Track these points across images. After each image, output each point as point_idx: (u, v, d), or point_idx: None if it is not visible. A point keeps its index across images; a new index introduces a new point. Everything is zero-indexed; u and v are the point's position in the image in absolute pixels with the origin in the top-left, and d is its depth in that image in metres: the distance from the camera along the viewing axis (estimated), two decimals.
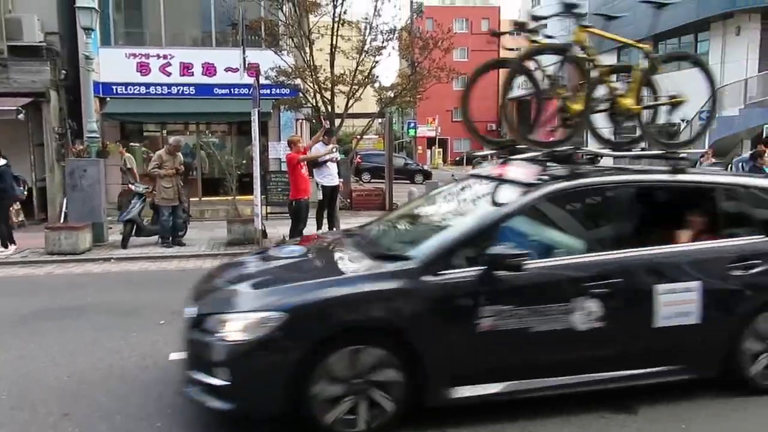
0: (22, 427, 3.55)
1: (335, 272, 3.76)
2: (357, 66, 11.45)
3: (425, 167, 33.96)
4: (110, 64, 14.58)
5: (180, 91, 15.28)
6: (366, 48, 11.51)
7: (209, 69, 15.39)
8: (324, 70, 11.35)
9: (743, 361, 3.84)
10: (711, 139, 18.12)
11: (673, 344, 3.68)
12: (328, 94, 11.26)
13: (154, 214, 10.49)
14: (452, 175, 17.06)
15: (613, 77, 4.51)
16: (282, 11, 11.46)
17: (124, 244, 10.08)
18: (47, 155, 13.95)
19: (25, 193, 11.35)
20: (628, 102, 4.33)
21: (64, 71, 14.25)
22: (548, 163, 3.97)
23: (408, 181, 27.69)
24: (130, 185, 11.15)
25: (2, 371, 4.48)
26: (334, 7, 11.20)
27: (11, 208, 12.22)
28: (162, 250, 9.93)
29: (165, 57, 15.19)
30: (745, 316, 3.83)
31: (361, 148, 25.96)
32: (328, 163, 10.01)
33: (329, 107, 11.33)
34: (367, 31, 11.45)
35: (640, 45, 4.58)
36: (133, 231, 10.24)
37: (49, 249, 9.48)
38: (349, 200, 15.68)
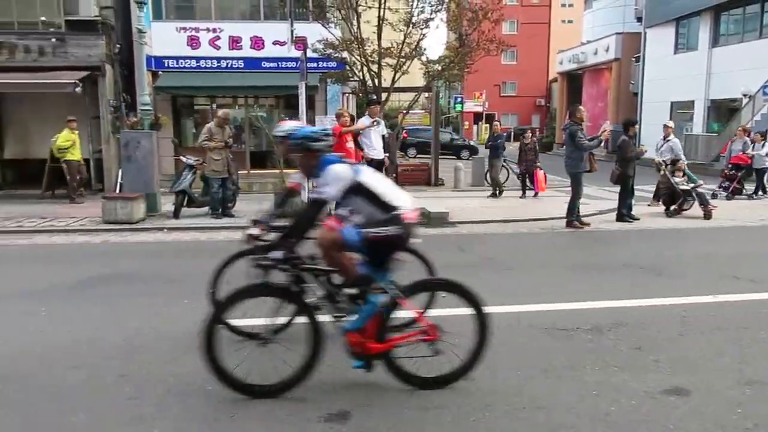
0: (81, 385, 3.71)
1: None
2: (404, 38, 11.29)
3: (472, 143, 33.52)
4: (162, 38, 14.84)
5: (229, 65, 15.46)
6: (413, 20, 11.33)
7: (257, 42, 15.49)
8: (371, 42, 11.24)
9: None
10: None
11: None
12: (375, 67, 11.18)
13: (205, 186, 10.72)
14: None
15: None
16: None
17: (176, 214, 10.37)
18: (103, 128, 14.38)
19: None
20: None
21: (118, 45, 14.59)
22: None
23: (454, 157, 27.43)
24: (181, 157, 11.40)
25: (61, 334, 4.70)
26: None
27: None
28: (212, 221, 10.16)
29: (214, 31, 15.36)
30: None
31: (407, 123, 25.82)
32: (374, 137, 9.98)
33: (376, 80, 11.25)
34: (415, 2, 11.27)
35: None
36: (185, 202, 10.51)
37: (105, 218, 9.83)
38: (394, 175, 15.64)
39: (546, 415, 3.30)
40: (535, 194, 13.78)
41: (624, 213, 10.48)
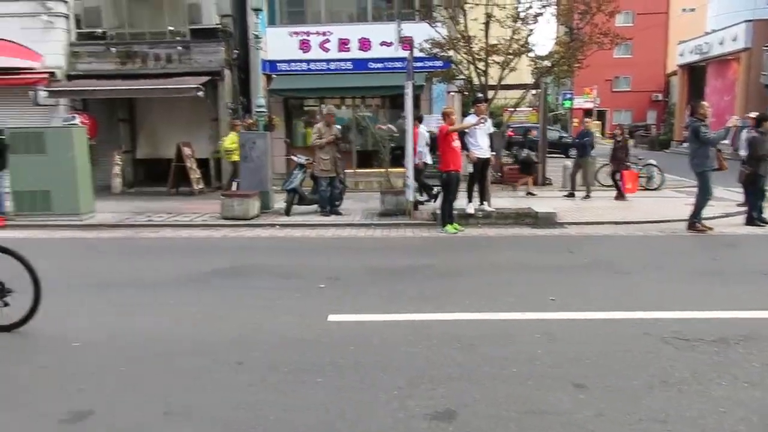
0: (204, 370, 3.98)
1: None
2: (512, 35, 11.01)
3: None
4: (275, 42, 15.49)
5: (337, 67, 15.87)
6: (522, 15, 11.03)
7: (365, 44, 15.78)
8: (478, 40, 11.07)
9: None
10: None
11: None
12: (482, 65, 10.99)
13: (314, 185, 11.11)
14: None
15: None
16: None
17: (287, 211, 10.82)
18: (222, 129, 15.29)
19: None
20: None
21: (236, 51, 15.45)
22: None
23: (562, 155, 26.49)
24: (292, 156, 11.89)
25: (187, 322, 5.06)
26: None
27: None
28: (320, 218, 10.51)
29: (324, 34, 15.82)
30: None
31: (513, 121, 25.28)
32: (479, 136, 9.86)
33: (483, 78, 11.08)
34: None
35: None
36: (295, 200, 10.95)
37: (224, 214, 10.46)
38: (500, 174, 15.38)
39: (665, 429, 3.11)
40: (622, 196, 12.89)
41: (754, 216, 9.64)
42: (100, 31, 15.01)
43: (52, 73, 14.74)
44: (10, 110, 14.43)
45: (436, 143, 10.43)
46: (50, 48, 14.85)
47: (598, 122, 44.89)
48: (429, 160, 11.71)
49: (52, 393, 3.66)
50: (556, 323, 4.86)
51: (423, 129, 11.65)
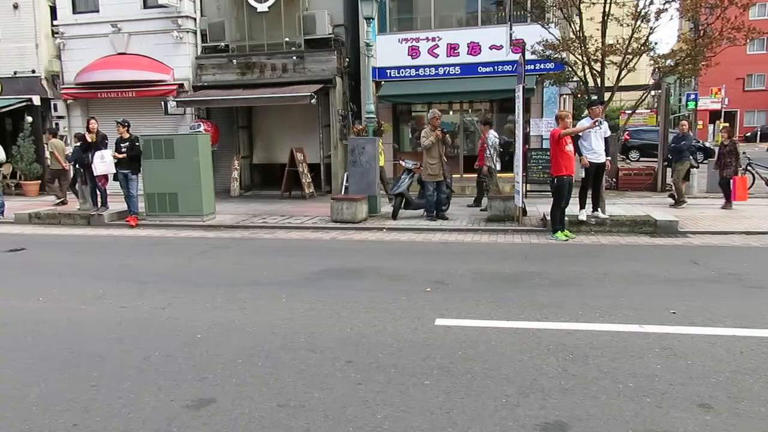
0: (315, 367, 4.12)
1: None
2: (632, 33, 10.47)
3: (706, 144, 29.93)
4: (385, 49, 15.78)
5: (446, 72, 15.87)
6: (643, 12, 10.46)
7: (474, 48, 15.66)
8: (595, 40, 10.63)
9: None
10: None
11: None
12: (597, 66, 10.55)
13: (421, 189, 11.17)
14: (743, 153, 14.78)
15: None
16: None
17: (394, 215, 10.97)
18: (332, 135, 15.79)
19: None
20: None
21: (347, 59, 15.90)
22: None
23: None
24: (401, 161, 12.04)
25: (299, 320, 5.26)
26: None
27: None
28: (427, 223, 10.54)
29: (433, 39, 15.89)
30: None
31: (629, 124, 24.00)
32: (593, 140, 9.47)
33: (598, 80, 10.62)
34: None
35: None
36: (402, 204, 11.07)
37: (333, 217, 10.79)
38: (615, 180, 14.67)
39: None
40: (729, 203, 11.82)
41: None
42: (223, 44, 16.04)
43: (180, 85, 15.96)
44: (144, 119, 15.77)
45: (504, 149, 10.32)
46: (179, 61, 16.08)
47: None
48: (498, 166, 11.51)
49: (178, 380, 3.95)
50: (677, 338, 4.55)
51: (492, 135, 11.43)
